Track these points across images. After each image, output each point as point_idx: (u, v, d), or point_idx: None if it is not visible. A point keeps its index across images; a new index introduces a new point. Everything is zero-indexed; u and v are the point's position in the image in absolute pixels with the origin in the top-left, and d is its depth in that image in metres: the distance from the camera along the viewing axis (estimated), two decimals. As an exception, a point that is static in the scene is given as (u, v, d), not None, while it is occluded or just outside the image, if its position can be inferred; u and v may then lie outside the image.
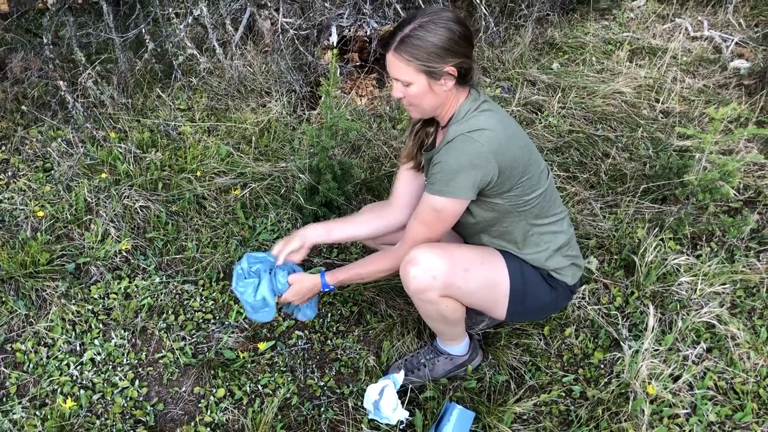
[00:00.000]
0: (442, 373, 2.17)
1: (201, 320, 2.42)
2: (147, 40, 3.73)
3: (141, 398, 2.15)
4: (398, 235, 1.98)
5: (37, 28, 3.78)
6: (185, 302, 2.49)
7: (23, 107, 3.47)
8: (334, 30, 3.76)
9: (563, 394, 2.13)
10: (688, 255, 2.59)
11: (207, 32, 3.84)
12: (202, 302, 2.49)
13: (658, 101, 3.79)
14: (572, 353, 2.28)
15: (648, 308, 2.29)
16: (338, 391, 2.18)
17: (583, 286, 2.47)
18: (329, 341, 2.35)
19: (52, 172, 3.06)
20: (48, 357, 2.26)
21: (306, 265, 2.62)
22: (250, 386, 2.18)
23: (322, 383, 2.20)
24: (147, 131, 3.27)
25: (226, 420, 2.08)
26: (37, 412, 2.07)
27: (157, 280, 2.56)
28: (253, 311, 2.00)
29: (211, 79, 3.76)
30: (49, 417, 2.04)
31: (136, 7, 3.95)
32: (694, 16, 4.97)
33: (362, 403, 2.08)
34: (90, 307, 2.43)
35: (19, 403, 2.10)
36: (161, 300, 2.49)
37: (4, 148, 3.26)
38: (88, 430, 2.02)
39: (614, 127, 3.54)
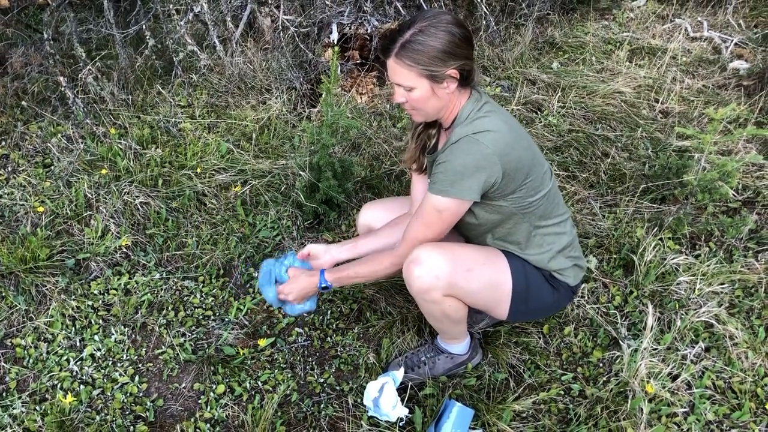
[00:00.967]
0: (442, 371, 2.17)
1: (201, 316, 2.43)
2: (147, 37, 3.73)
3: (141, 394, 2.15)
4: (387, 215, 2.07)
5: (37, 24, 3.77)
6: (185, 298, 2.50)
7: (23, 103, 3.46)
8: (334, 27, 3.76)
9: (562, 393, 2.14)
10: (686, 255, 2.60)
11: (207, 29, 3.84)
12: (202, 299, 2.50)
13: (657, 101, 3.79)
14: (571, 352, 2.29)
15: (647, 307, 2.30)
16: (338, 388, 2.19)
17: (583, 285, 2.48)
18: (329, 338, 2.36)
19: (52, 167, 3.06)
20: (48, 352, 2.26)
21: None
22: (250, 383, 2.18)
23: (321, 380, 2.21)
24: (147, 127, 3.27)
25: (226, 416, 2.08)
26: (37, 407, 2.07)
27: (157, 276, 2.56)
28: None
29: (212, 75, 3.75)
30: (49, 412, 2.04)
31: (136, 3, 3.95)
32: (694, 16, 4.98)
33: (362, 400, 2.09)
34: (90, 303, 2.44)
35: (19, 398, 2.10)
36: (161, 296, 2.49)
37: (4, 143, 3.25)
38: (87, 425, 2.02)
39: (614, 127, 3.55)
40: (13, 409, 2.06)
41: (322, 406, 2.12)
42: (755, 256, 2.62)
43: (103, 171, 2.96)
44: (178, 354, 2.27)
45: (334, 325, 2.41)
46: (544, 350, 2.29)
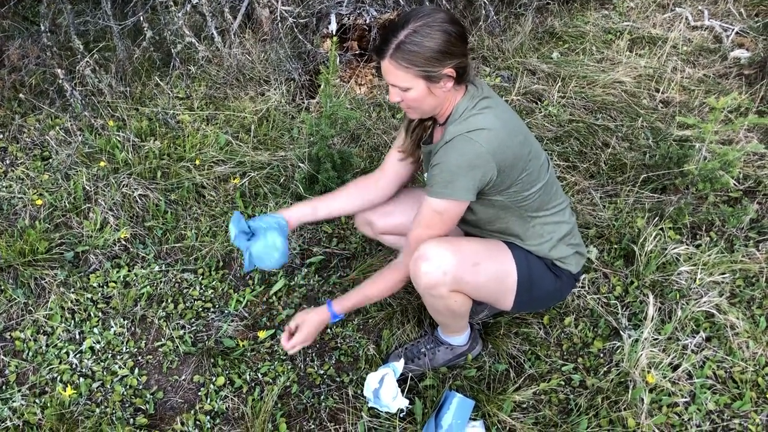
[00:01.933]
0: (442, 363, 2.17)
1: (200, 309, 2.42)
2: (145, 28, 3.71)
3: (140, 386, 2.15)
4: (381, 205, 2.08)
5: (34, 16, 3.75)
6: (184, 291, 2.49)
7: (21, 95, 3.45)
8: (333, 18, 3.74)
9: (563, 383, 2.13)
10: (687, 244, 2.59)
11: (205, 20, 3.82)
12: (201, 291, 2.49)
13: (658, 91, 3.78)
14: (572, 342, 2.28)
15: (647, 297, 2.30)
16: (338, 379, 2.18)
17: (583, 276, 2.47)
18: (329, 330, 2.35)
19: (51, 160, 3.05)
20: (47, 345, 2.26)
21: (306, 255, 2.62)
22: (249, 374, 2.18)
23: (321, 372, 2.21)
24: (145, 119, 3.25)
25: (226, 408, 2.08)
26: (37, 400, 2.07)
27: (156, 268, 2.56)
28: (260, 260, 1.91)
29: (210, 67, 3.74)
30: (48, 405, 2.04)
31: (133, -6, 3.92)
32: (695, 5, 4.95)
33: (362, 391, 2.08)
34: (89, 296, 2.43)
35: (19, 391, 2.10)
36: (160, 288, 2.49)
37: (2, 136, 3.24)
38: (87, 417, 2.02)
39: (614, 117, 3.53)
40: (13, 402, 2.06)
41: (322, 397, 2.12)
42: (756, 246, 2.62)
43: (102, 163, 2.95)
44: (177, 346, 2.27)
45: (333, 317, 2.40)
46: (545, 341, 2.29)
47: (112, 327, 2.33)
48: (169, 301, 2.44)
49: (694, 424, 1.98)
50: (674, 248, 2.52)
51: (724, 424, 2.00)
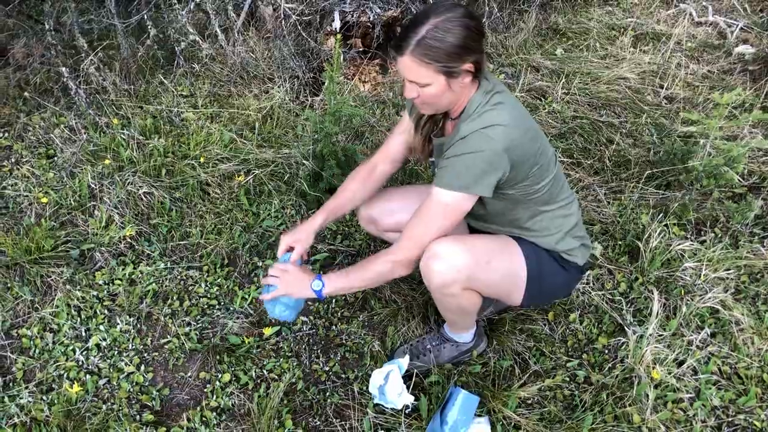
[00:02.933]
0: (448, 359, 2.17)
1: (206, 306, 2.43)
2: (149, 26, 3.71)
3: (147, 383, 2.16)
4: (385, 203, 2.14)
5: (38, 15, 3.75)
6: (190, 288, 2.50)
7: (26, 94, 3.46)
8: (336, 15, 3.74)
9: (567, 379, 2.14)
10: (692, 241, 2.59)
11: (209, 18, 3.82)
12: (206, 288, 2.50)
13: (662, 87, 3.77)
14: (576, 338, 2.28)
15: (652, 294, 2.30)
16: (343, 376, 2.19)
17: (588, 272, 2.47)
18: (334, 327, 2.36)
19: (56, 158, 3.06)
20: (54, 342, 2.27)
21: (311, 252, 2.62)
22: (255, 371, 2.18)
23: (327, 368, 2.21)
24: (150, 117, 3.26)
25: (232, 404, 2.09)
26: (44, 397, 2.08)
27: (162, 266, 2.57)
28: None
29: (214, 65, 3.74)
30: (55, 402, 2.05)
31: (137, -8, 3.93)
32: (699, 1, 4.94)
33: (367, 387, 2.09)
34: (95, 293, 2.44)
35: (26, 387, 2.11)
36: (166, 286, 2.49)
37: (7, 134, 3.25)
38: (94, 414, 2.03)
39: (618, 113, 3.53)
40: (20, 399, 2.07)
41: (327, 394, 2.12)
42: (761, 242, 2.62)
43: (107, 161, 2.96)
44: (183, 343, 2.28)
45: (339, 314, 2.41)
46: (550, 337, 2.29)
47: (118, 324, 2.34)
48: (174, 298, 2.45)
49: (699, 420, 1.98)
50: (679, 244, 2.52)
51: (729, 419, 2.00)
